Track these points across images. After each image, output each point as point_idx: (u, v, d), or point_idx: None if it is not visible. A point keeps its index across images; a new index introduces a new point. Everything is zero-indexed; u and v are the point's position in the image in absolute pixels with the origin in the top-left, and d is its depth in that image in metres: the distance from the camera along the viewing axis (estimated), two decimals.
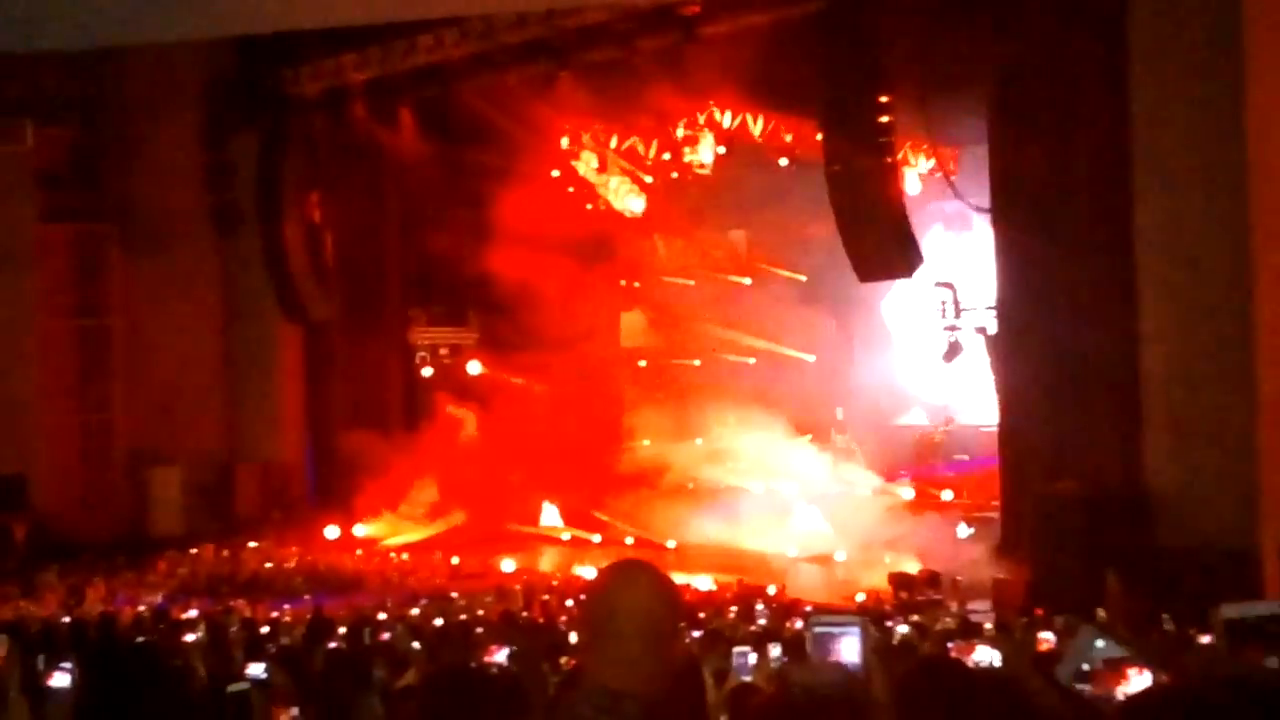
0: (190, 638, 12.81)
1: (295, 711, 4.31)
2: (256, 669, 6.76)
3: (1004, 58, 22.05)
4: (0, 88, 27.83)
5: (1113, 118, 20.16)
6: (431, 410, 32.22)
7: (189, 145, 29.55)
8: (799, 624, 13.50)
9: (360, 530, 30.62)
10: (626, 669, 3.01)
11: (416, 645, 11.35)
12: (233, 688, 4.98)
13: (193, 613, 18.85)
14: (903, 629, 12.94)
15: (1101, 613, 14.63)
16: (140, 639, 12.12)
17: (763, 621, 15.14)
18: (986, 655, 7.46)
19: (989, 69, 22.54)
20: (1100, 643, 4.70)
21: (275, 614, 19.14)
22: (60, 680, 4.98)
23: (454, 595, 22.42)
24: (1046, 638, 9.66)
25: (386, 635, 11.50)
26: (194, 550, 27.95)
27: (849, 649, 3.86)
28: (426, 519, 31.27)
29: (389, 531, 30.92)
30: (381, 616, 17.59)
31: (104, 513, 30.11)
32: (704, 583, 24.17)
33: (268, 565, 27.52)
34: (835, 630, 3.91)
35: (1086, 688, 4.69)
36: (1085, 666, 4.73)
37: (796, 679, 4.16)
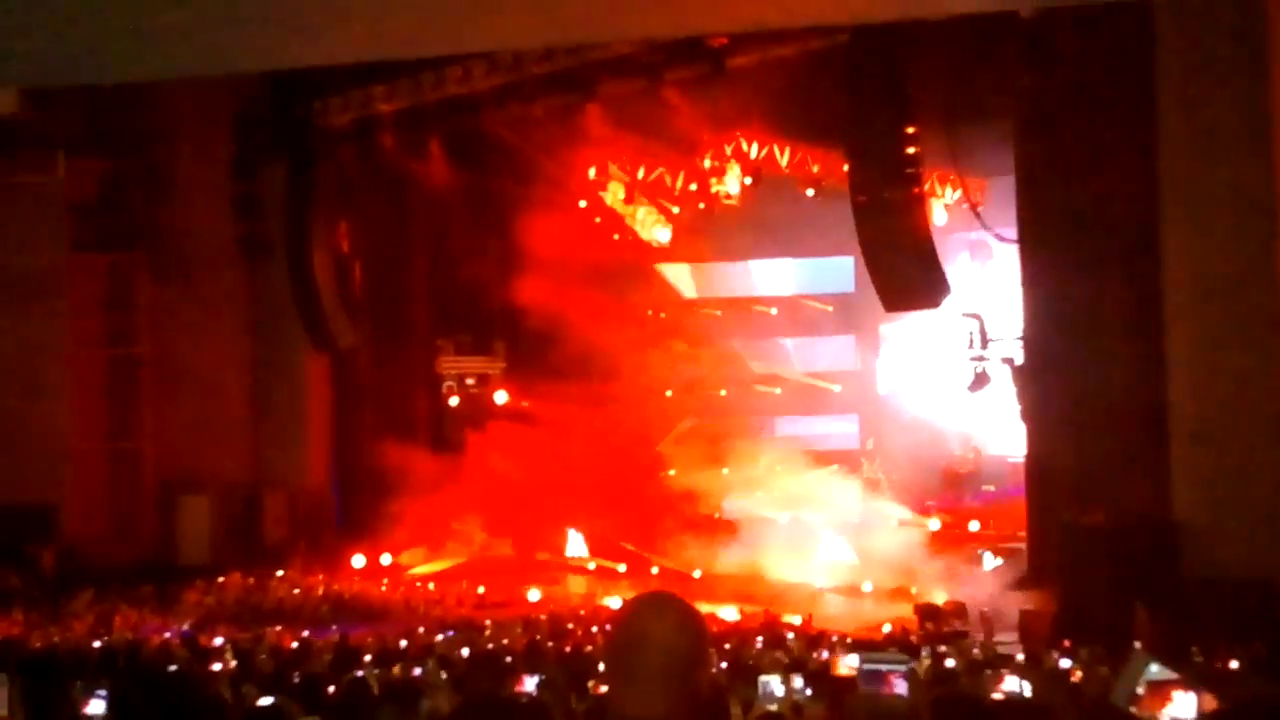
0: (218, 666, 12.86)
1: None
2: (269, 700, 6.81)
3: (1031, 88, 22.08)
4: (32, 120, 28.04)
5: (1140, 148, 20.15)
6: (458, 440, 32.27)
7: (218, 175, 29.69)
8: (824, 655, 13.47)
9: (386, 559, 30.62)
10: (651, 699, 3.02)
11: (444, 675, 11.37)
12: (262, 702, 5.01)
13: (220, 640, 18.92)
14: (949, 662, 12.88)
15: (1139, 644, 14.57)
16: (170, 667, 12.18)
17: (785, 652, 15.12)
18: (1015, 685, 7.46)
19: (1016, 100, 22.57)
20: (1154, 667, 4.76)
21: (297, 643, 19.17)
22: (96, 708, 5.02)
23: (483, 624, 22.41)
24: (1068, 666, 9.64)
25: (418, 670, 11.50)
26: (221, 579, 28.00)
27: (899, 685, 3.92)
28: (452, 548, 31.27)
29: (415, 560, 30.93)
30: (405, 644, 17.63)
31: (132, 541, 30.17)
32: (730, 613, 24.13)
33: (294, 593, 27.56)
34: (884, 668, 3.97)
35: (1133, 710, 4.72)
36: (1139, 690, 4.78)
37: (859, 707, 4.20)
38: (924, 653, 15.01)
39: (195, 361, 30.58)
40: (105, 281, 31.07)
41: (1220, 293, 19.35)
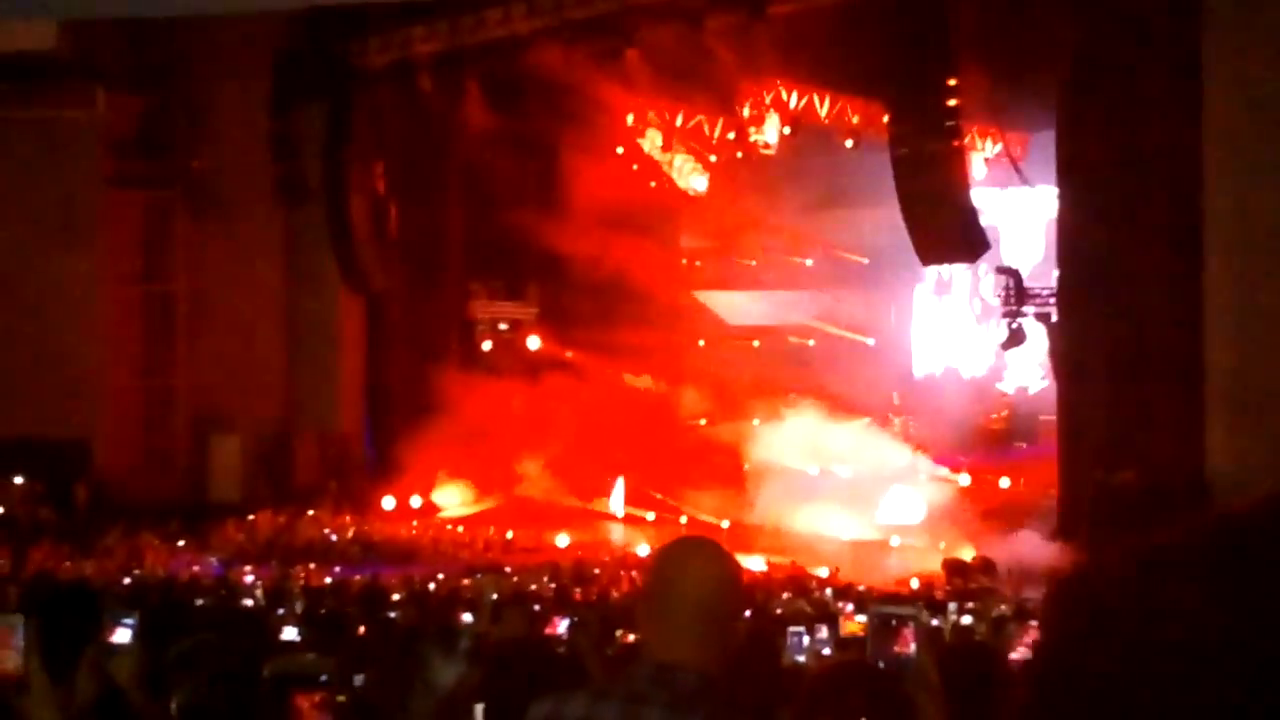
0: (248, 601, 12.95)
1: (322, 698, 4.33)
2: (299, 659, 6.83)
3: (1074, 42, 21.85)
4: (71, 54, 28.07)
5: (1185, 102, 19.93)
6: (489, 384, 32.32)
7: (256, 115, 29.67)
8: (849, 607, 13.47)
9: (415, 501, 30.76)
10: (684, 644, 3.00)
11: (469, 617, 11.41)
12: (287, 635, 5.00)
13: (250, 578, 19.06)
14: (966, 619, 12.86)
15: None
16: (199, 601, 12.28)
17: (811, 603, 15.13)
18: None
19: (1059, 53, 22.35)
20: None
21: (328, 580, 19.30)
22: (122, 635, 5.03)
23: (508, 569, 22.52)
24: None
25: (466, 616, 11.51)
26: (251, 517, 28.18)
27: (906, 636, 3.89)
28: (481, 492, 31.40)
29: (444, 503, 31.08)
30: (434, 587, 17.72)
31: (164, 478, 30.39)
32: (757, 564, 24.16)
33: (324, 533, 27.75)
34: (894, 620, 3.94)
35: None
36: None
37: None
38: (951, 608, 15.00)
39: (230, 300, 30.68)
40: (142, 218, 31.20)
41: (1263, 249, 19.19)
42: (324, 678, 4.48)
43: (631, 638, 8.70)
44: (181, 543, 25.72)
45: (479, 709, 4.62)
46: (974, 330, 31.97)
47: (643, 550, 24.69)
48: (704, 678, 2.99)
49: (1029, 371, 30.23)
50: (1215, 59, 19.65)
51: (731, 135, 31.64)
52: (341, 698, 4.70)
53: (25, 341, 28.86)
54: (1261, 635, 0.87)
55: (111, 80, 29.74)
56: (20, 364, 28.73)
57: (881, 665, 3.81)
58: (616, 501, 30.57)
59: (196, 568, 21.44)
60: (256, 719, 4.41)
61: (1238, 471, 19.00)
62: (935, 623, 11.18)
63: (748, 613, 11.71)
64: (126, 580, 15.09)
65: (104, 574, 19.37)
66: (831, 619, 10.66)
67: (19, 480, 27.41)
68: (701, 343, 33.81)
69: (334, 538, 27.60)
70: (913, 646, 3.84)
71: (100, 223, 30.01)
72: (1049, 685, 0.93)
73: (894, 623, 3.95)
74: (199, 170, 30.91)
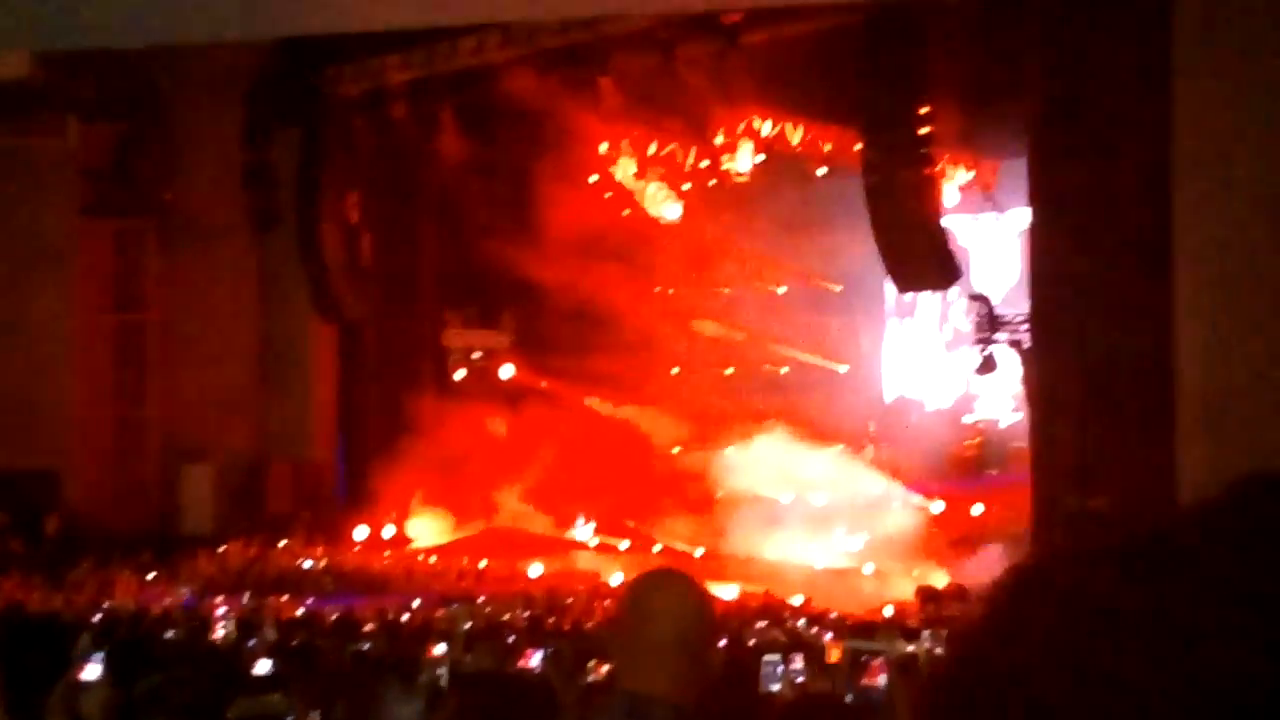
0: (219, 634, 12.87)
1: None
2: (266, 665, 6.80)
3: (1047, 68, 21.98)
4: (45, 83, 28.00)
5: (1156, 130, 20.05)
6: (462, 413, 32.24)
7: (230, 143, 29.65)
8: (828, 636, 13.45)
9: (388, 531, 30.66)
10: (658, 675, 3.00)
11: (443, 648, 11.35)
12: (260, 668, 4.97)
13: (221, 609, 18.94)
14: (939, 649, 12.84)
15: None
16: (170, 634, 12.20)
17: (784, 632, 15.12)
18: None
19: (1031, 81, 22.48)
20: None
21: (301, 612, 19.20)
22: (92, 673, 5.00)
23: (480, 599, 22.44)
24: None
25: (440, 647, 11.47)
26: (223, 548, 28.04)
27: (877, 669, 3.90)
28: (454, 522, 31.32)
29: (417, 534, 30.98)
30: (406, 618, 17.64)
31: (135, 509, 30.21)
32: (730, 592, 24.14)
33: (297, 564, 27.62)
34: (864, 651, 3.96)
35: None
36: None
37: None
38: (925, 635, 15.00)
39: (202, 330, 30.58)
40: (114, 248, 31.11)
41: (1234, 277, 19.28)
42: (289, 719, 4.45)
43: (605, 669, 8.67)
44: (153, 574, 25.55)
45: None
46: (942, 358, 32.04)
47: (616, 579, 24.64)
48: (678, 710, 2.98)
49: (1000, 403, 30.32)
50: (1186, 87, 19.77)
51: (705, 163, 31.69)
52: None
53: None
54: (1171, 614, 0.87)
55: (84, 109, 29.67)
56: None
57: (851, 698, 3.82)
58: (585, 531, 30.56)
59: (168, 600, 21.30)
60: None
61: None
62: (911, 648, 11.18)
63: (723, 642, 11.69)
64: (97, 617, 14.97)
65: (74, 607, 19.23)
66: (806, 647, 10.65)
67: None
68: (675, 370, 33.80)
69: (307, 568, 27.47)
70: (883, 679, 3.85)
71: (72, 252, 29.89)
72: (967, 667, 0.93)
73: (864, 658, 3.97)
74: (172, 199, 30.84)
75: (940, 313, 32.17)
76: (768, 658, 7.61)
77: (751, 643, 12.65)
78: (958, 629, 0.96)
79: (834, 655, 7.82)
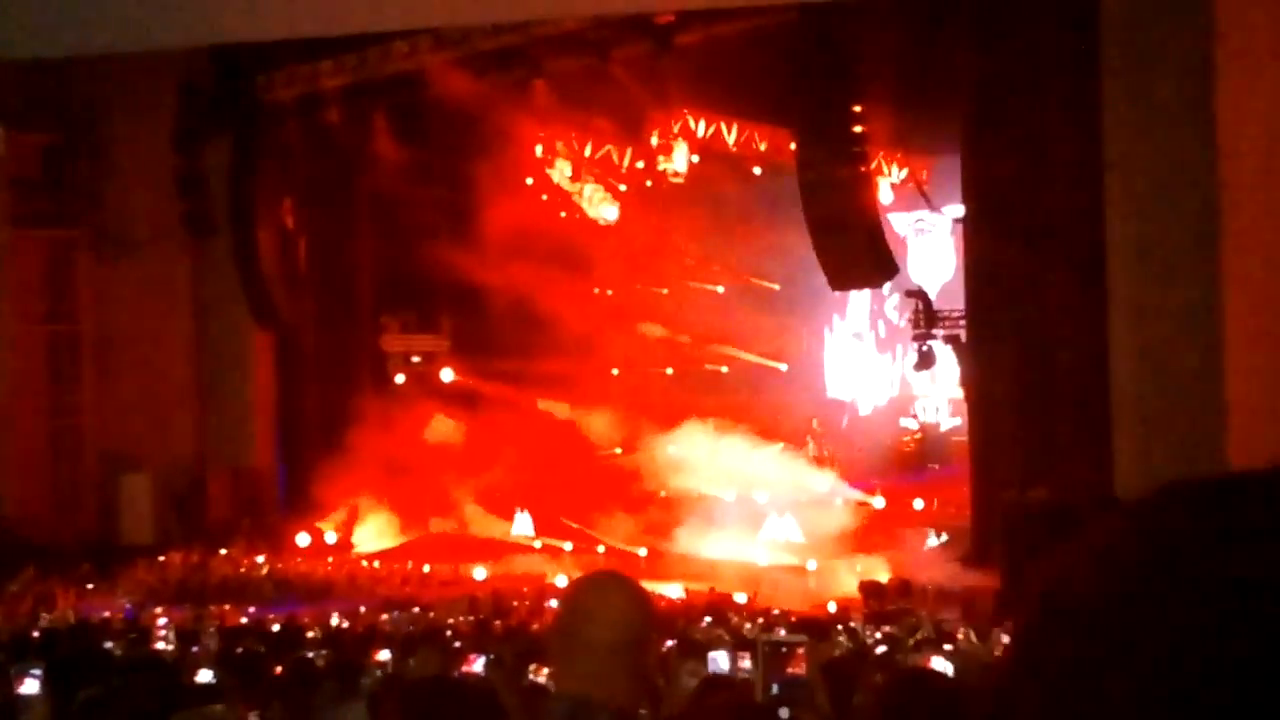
0: (160, 645, 12.77)
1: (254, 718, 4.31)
2: (208, 675, 6.77)
3: (978, 68, 22.19)
4: None
5: (1085, 128, 20.30)
6: (403, 417, 32.12)
7: (161, 151, 29.41)
8: (780, 632, 13.52)
9: (330, 538, 30.51)
10: (598, 678, 3.01)
11: (385, 655, 11.31)
12: (202, 677, 4.96)
13: (163, 620, 18.78)
14: (882, 647, 12.93)
15: None
16: (110, 645, 12.09)
17: (729, 630, 15.16)
18: (942, 665, 7.48)
19: (963, 79, 22.67)
20: None
21: (245, 620, 19.08)
22: (30, 687, 4.97)
23: (425, 603, 22.37)
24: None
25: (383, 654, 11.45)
26: (163, 557, 27.82)
27: (798, 659, 3.95)
28: (396, 526, 31.21)
29: (359, 539, 30.85)
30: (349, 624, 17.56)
31: (74, 520, 29.96)
32: (675, 591, 24.17)
33: (238, 572, 27.44)
34: (783, 643, 4.01)
35: None
36: None
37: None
38: (867, 630, 15.10)
39: (137, 338, 30.36)
40: (46, 257, 30.79)
41: (1162, 272, 19.54)
42: None
43: (547, 672, 8.67)
44: (92, 585, 25.33)
45: None
46: (875, 357, 32.27)
47: (561, 581, 24.62)
48: (619, 713, 3.00)
49: (938, 404, 30.56)
50: (1113, 86, 20.02)
51: (641, 164, 31.73)
52: None
53: None
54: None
55: (13, 118, 29.34)
56: None
57: (776, 689, 3.86)
58: (524, 527, 30.54)
59: (107, 611, 21.10)
60: None
61: (1145, 487, 19.24)
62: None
63: (671, 642, 11.71)
64: (36, 633, 14.82)
65: (12, 619, 19.03)
66: (751, 645, 10.68)
67: None
68: (615, 371, 33.81)
69: (248, 576, 27.30)
70: (804, 668, 3.90)
71: (3, 262, 29.57)
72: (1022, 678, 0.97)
73: (784, 649, 4.02)
74: (103, 208, 30.57)
75: (872, 311, 32.39)
76: (714, 653, 7.65)
77: (698, 639, 12.66)
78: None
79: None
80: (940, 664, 7.52)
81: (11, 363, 29.61)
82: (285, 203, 30.89)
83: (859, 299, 32.04)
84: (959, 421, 27.46)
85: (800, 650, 3.97)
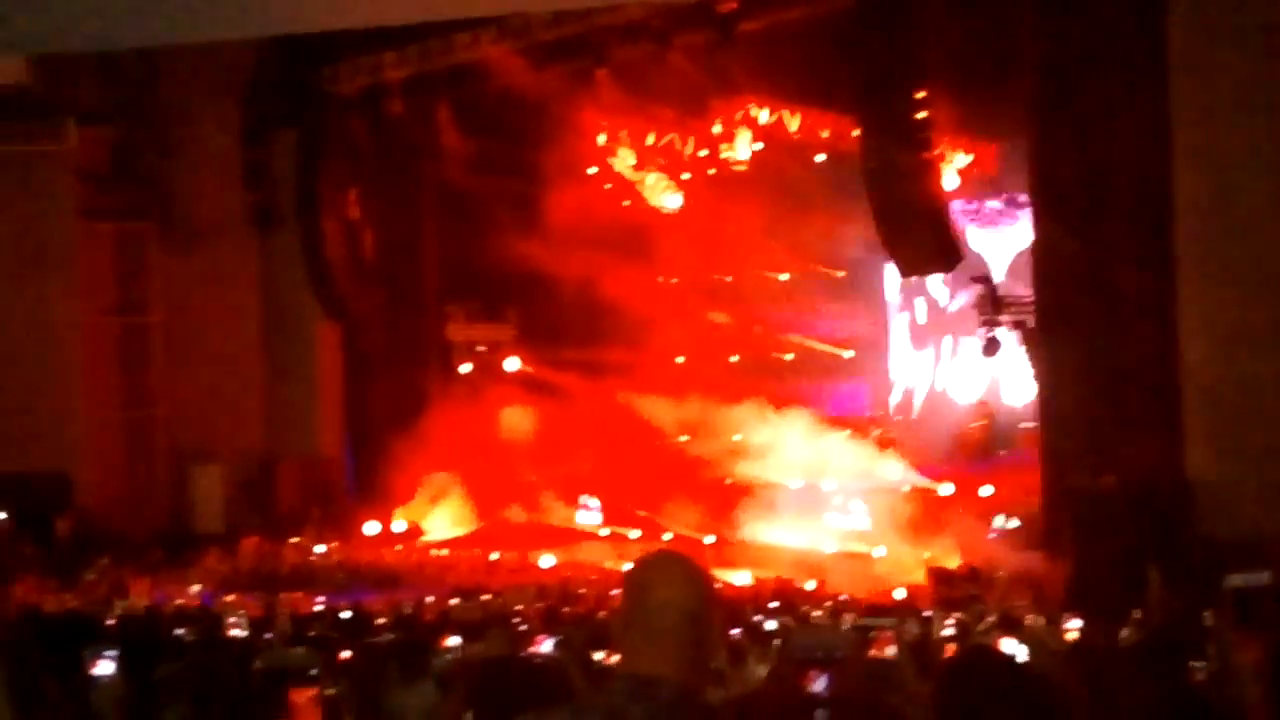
0: (233, 631, 12.90)
1: (315, 692, 4.34)
2: (290, 653, 6.83)
3: (1043, 50, 21.95)
4: (43, 88, 28.03)
5: (1154, 108, 20.04)
6: (469, 406, 32.27)
7: (229, 143, 29.70)
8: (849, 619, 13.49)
9: (399, 526, 30.71)
10: (660, 657, 3.03)
11: (454, 640, 11.39)
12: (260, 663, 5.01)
13: (234, 606, 18.96)
14: (949, 630, 12.88)
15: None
16: (182, 631, 12.24)
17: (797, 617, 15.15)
18: (1012, 649, 7.45)
19: (1028, 61, 22.45)
20: None
21: (317, 608, 19.24)
22: (104, 669, 5.04)
23: (493, 590, 22.48)
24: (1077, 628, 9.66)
25: (452, 639, 11.56)
26: (234, 546, 28.10)
27: (885, 642, 3.95)
28: (465, 514, 31.35)
29: (428, 527, 31.02)
30: (418, 611, 17.67)
31: (146, 509, 30.31)
32: (743, 578, 24.15)
33: (308, 560, 27.71)
34: (871, 627, 4.01)
35: None
36: None
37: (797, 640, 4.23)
38: (937, 617, 15.04)
39: (207, 330, 30.66)
40: (116, 250, 31.15)
41: (1234, 255, 19.30)
42: (314, 672, 4.49)
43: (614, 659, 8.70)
44: (165, 574, 25.64)
45: None
46: (948, 342, 32.07)
47: (628, 568, 24.64)
48: (682, 689, 3.01)
49: (1008, 384, 30.31)
50: (1182, 70, 19.77)
51: (703, 153, 31.70)
52: (331, 691, 4.72)
53: (2, 377, 28.78)
54: None
55: (83, 113, 29.70)
56: None
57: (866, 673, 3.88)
58: (592, 518, 30.60)
59: (180, 599, 21.35)
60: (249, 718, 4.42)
61: (1217, 475, 19.07)
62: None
63: (736, 631, 11.72)
64: (111, 621, 15.05)
65: (87, 608, 19.27)
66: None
67: (0, 516, 27.30)
68: (680, 359, 33.79)
69: (318, 564, 27.55)
70: (890, 651, 3.90)
71: (74, 255, 29.94)
72: None
73: (872, 633, 4.02)
74: (172, 200, 30.88)
75: (943, 296, 32.18)
76: (777, 643, 7.66)
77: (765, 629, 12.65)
78: None
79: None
80: (1009, 646, 7.50)
81: (84, 354, 29.99)
82: (351, 193, 31.09)
83: (927, 285, 31.84)
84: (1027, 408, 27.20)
85: (887, 633, 3.98)
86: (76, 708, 4.45)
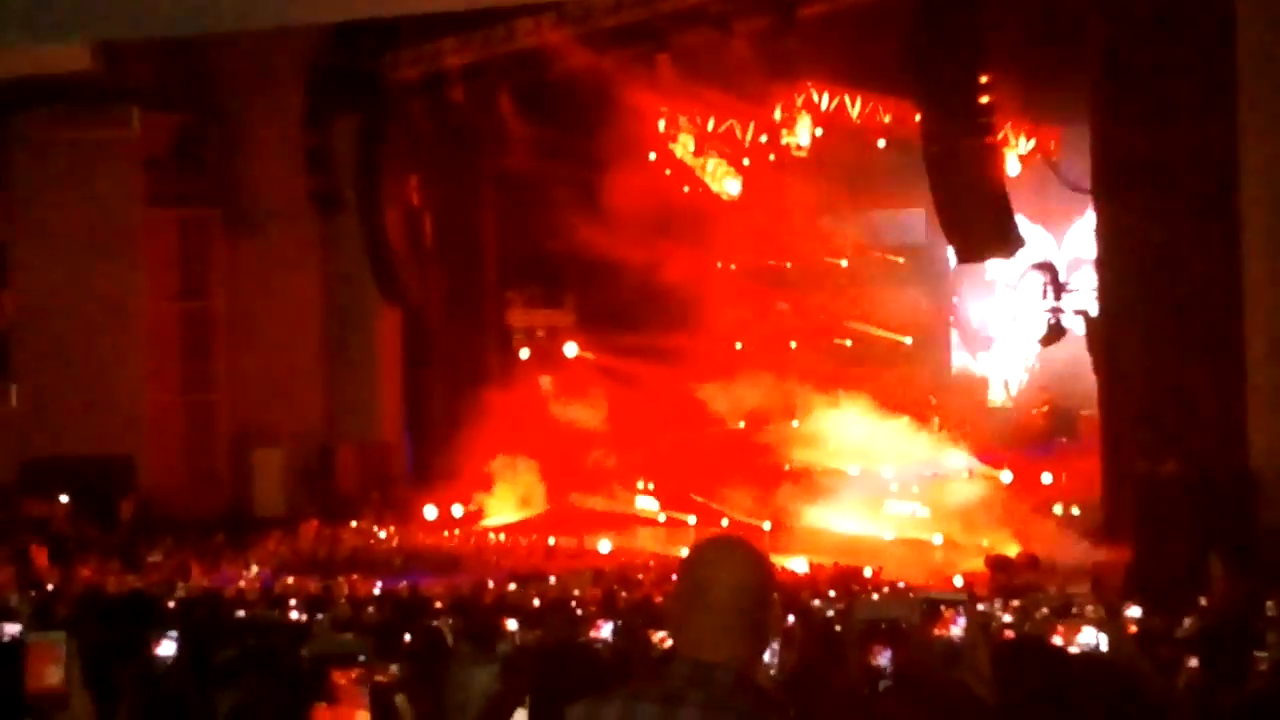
0: (293, 614, 13.01)
1: (359, 674, 4.37)
2: (338, 639, 6.88)
3: (1107, 33, 21.75)
4: (107, 75, 28.26)
5: (1219, 95, 19.80)
6: (528, 392, 32.35)
7: (290, 129, 29.85)
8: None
9: (457, 510, 30.82)
10: (718, 640, 3.01)
11: (513, 624, 11.44)
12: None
13: (294, 590, 19.11)
14: (1006, 617, 12.81)
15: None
16: (242, 613, 12.36)
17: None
18: (1091, 638, 7.37)
19: (1091, 45, 22.24)
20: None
21: (375, 591, 19.35)
22: (166, 649, 5.09)
23: (551, 575, 22.55)
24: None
25: (511, 623, 11.62)
26: (295, 529, 28.31)
27: (956, 623, 3.92)
28: (523, 500, 31.43)
29: (486, 512, 31.13)
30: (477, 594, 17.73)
31: (208, 492, 30.60)
32: (800, 565, 24.11)
33: (368, 543, 27.88)
34: (942, 602, 3.99)
35: None
36: None
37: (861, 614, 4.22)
38: (995, 604, 14.96)
39: (268, 315, 30.86)
40: (179, 236, 31.44)
41: None
42: (361, 657, 4.52)
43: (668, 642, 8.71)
44: (226, 556, 25.88)
45: (522, 713, 4.65)
46: (1008, 327, 31.84)
47: (686, 553, 24.66)
48: (739, 674, 3.00)
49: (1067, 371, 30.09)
50: (1250, 55, 19.52)
51: (764, 138, 31.61)
52: (379, 676, 4.75)
53: (67, 361, 29.12)
54: None
55: (146, 99, 29.97)
56: (63, 383, 29.01)
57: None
58: (649, 501, 30.60)
59: (241, 581, 21.54)
60: (300, 704, 4.45)
61: None
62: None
63: (791, 618, 11.69)
64: (172, 603, 15.22)
65: (150, 589, 19.47)
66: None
67: (64, 498, 27.62)
68: (739, 345, 33.73)
69: (377, 548, 27.72)
70: (956, 628, 3.88)
71: (138, 241, 30.24)
72: None
73: (943, 609, 3.99)
74: (234, 186, 31.12)
75: (1004, 282, 31.97)
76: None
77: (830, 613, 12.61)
78: None
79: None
80: (1088, 635, 7.43)
81: (147, 339, 30.28)
82: (411, 180, 31.24)
83: (988, 271, 31.64)
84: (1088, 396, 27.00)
85: (958, 610, 3.95)
86: (145, 690, 4.51)
